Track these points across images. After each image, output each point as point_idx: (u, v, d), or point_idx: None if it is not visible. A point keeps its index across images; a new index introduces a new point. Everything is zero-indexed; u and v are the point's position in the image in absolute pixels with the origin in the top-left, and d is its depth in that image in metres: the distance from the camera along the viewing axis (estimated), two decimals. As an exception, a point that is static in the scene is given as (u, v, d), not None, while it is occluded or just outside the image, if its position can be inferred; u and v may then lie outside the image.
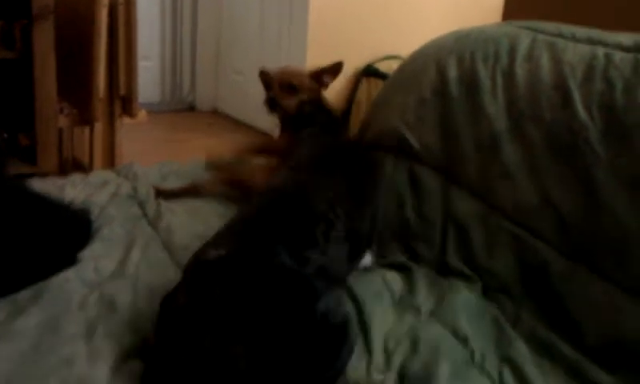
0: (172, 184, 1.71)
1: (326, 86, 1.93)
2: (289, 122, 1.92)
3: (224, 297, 0.91)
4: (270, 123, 2.21)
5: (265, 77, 2.00)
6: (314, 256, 1.04)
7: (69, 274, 1.22)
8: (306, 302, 0.94)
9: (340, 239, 1.15)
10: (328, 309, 0.95)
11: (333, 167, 1.36)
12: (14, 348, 1.00)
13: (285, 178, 1.31)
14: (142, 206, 1.56)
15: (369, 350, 1.08)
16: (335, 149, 1.52)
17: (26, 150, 2.43)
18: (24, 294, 1.13)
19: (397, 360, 1.07)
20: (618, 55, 1.25)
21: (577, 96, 1.26)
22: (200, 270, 0.98)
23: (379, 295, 1.27)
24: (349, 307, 1.19)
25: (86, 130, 2.61)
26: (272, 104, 1.91)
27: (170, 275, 1.27)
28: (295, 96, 1.89)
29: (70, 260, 1.26)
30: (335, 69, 1.92)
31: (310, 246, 1.06)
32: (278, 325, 0.89)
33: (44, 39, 2.32)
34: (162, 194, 1.64)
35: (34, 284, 1.16)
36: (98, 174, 1.81)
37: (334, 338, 0.94)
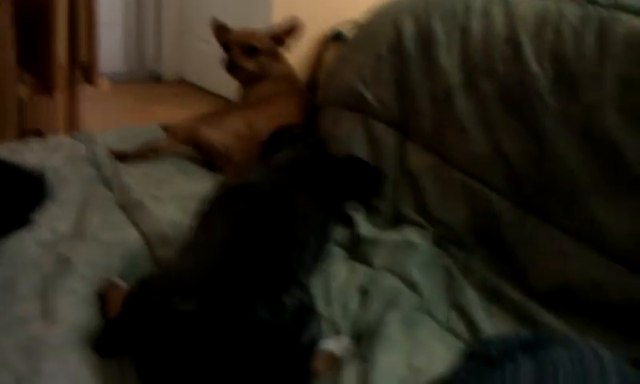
0: (130, 147, 1.70)
1: (285, 45, 1.92)
2: (248, 83, 1.92)
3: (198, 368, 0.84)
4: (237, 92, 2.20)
5: (220, 33, 1.98)
6: (291, 298, 0.91)
7: (23, 235, 1.22)
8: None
9: (311, 254, 1.10)
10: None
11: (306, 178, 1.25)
12: (-36, 309, 0.99)
13: (259, 190, 1.15)
14: (98, 168, 1.55)
15: (329, 302, 1.11)
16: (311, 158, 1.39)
17: (-14, 121, 2.39)
18: (-25, 257, 1.13)
19: (351, 310, 1.10)
20: (569, 7, 1.26)
21: (528, 48, 1.27)
22: (169, 328, 0.86)
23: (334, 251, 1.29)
24: None
25: (48, 100, 2.56)
26: (231, 67, 1.89)
27: (126, 234, 1.27)
28: (256, 58, 1.89)
29: (24, 221, 1.25)
30: (293, 28, 1.92)
31: (287, 284, 0.95)
32: None
33: (1, 8, 2.26)
34: (118, 156, 1.62)
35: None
36: (55, 139, 1.79)
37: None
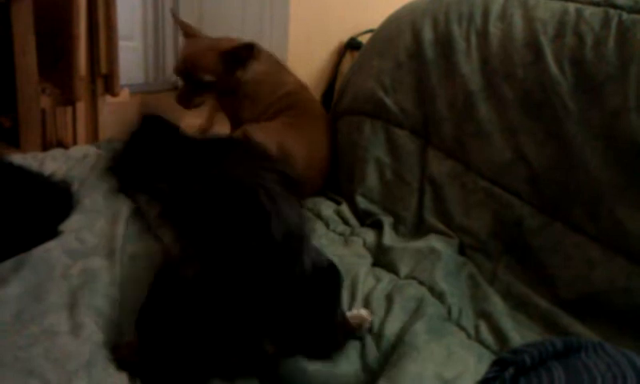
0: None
1: (239, 69, 1.64)
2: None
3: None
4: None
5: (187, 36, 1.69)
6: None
7: (51, 245, 1.22)
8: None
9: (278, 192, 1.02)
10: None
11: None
12: (-5, 317, 1.00)
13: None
14: (121, 178, 1.56)
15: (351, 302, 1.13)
16: None
17: (9, 132, 2.42)
18: (5, 266, 1.13)
19: (375, 320, 1.10)
20: (588, 10, 1.25)
21: (548, 52, 1.27)
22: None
23: (361, 257, 1.30)
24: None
25: (69, 111, 2.59)
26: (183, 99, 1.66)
27: (151, 245, 1.28)
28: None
29: (51, 232, 1.27)
30: (244, 53, 1.59)
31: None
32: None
33: (23, 19, 2.29)
34: None
35: (15, 256, 1.16)
36: (79, 149, 1.80)
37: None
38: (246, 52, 1.58)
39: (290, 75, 1.77)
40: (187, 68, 1.58)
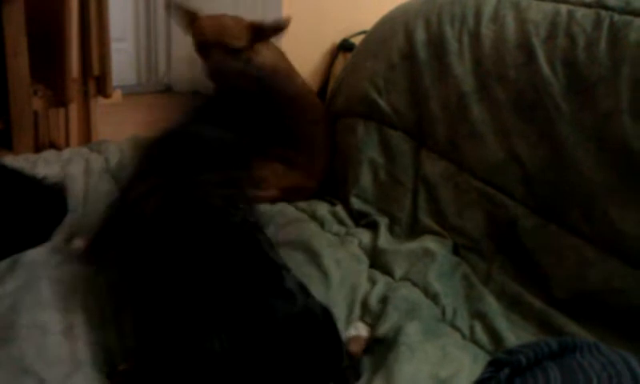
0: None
1: (265, 40, 1.67)
2: None
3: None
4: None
5: (191, 23, 1.66)
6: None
7: (44, 247, 1.22)
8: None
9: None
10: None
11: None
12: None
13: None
14: (115, 180, 1.56)
15: (349, 311, 1.12)
16: None
17: (1, 134, 2.41)
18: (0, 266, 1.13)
19: (371, 320, 1.10)
20: (580, 11, 1.26)
21: (540, 53, 1.27)
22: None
23: (359, 262, 1.30)
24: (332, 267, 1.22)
25: (62, 112, 2.58)
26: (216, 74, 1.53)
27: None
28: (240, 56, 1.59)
29: (44, 234, 1.26)
30: (278, 28, 1.63)
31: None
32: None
33: (14, 21, 2.28)
34: None
35: (8, 257, 1.16)
36: (71, 151, 1.80)
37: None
38: (274, 29, 1.61)
39: (298, 77, 1.78)
40: (217, 37, 1.58)
